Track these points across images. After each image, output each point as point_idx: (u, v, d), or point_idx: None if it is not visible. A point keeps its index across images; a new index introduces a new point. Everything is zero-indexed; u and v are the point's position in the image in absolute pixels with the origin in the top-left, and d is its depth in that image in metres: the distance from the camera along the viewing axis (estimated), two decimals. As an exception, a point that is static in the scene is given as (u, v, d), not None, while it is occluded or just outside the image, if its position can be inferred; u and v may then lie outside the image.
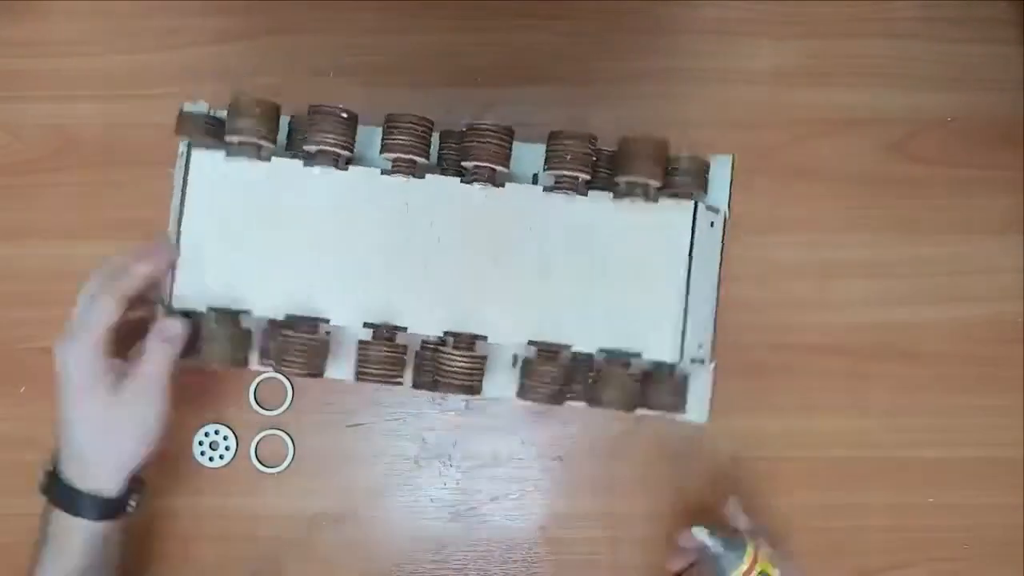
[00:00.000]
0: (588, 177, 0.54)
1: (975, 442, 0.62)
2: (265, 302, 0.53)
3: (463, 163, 0.54)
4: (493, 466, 0.62)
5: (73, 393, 0.49)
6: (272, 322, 0.54)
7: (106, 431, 0.50)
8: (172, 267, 0.52)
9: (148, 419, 0.50)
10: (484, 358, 0.53)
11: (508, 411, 0.62)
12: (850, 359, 0.62)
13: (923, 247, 0.63)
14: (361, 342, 0.53)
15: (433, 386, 0.53)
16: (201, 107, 0.56)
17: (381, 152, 0.53)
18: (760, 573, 0.51)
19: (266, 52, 0.64)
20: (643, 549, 0.61)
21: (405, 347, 0.53)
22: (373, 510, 0.61)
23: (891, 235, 0.63)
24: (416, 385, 0.55)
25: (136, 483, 0.52)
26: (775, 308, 0.63)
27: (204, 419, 0.61)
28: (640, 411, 0.54)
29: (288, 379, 0.62)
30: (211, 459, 0.61)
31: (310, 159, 0.54)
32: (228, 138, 0.53)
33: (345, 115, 0.53)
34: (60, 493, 0.51)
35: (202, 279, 0.53)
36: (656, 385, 0.54)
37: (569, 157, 0.53)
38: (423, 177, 0.54)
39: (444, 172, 0.55)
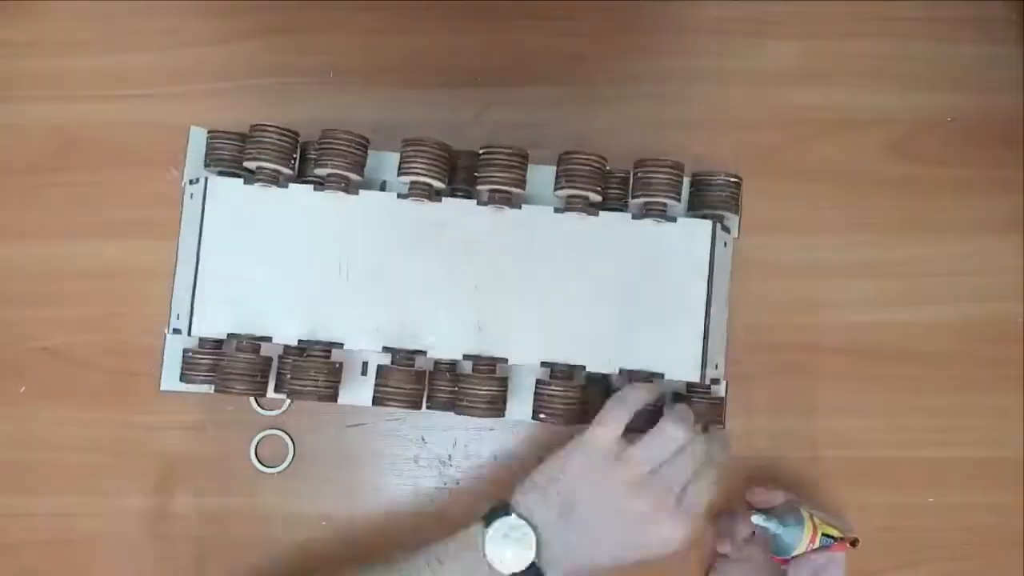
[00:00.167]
0: (599, 197, 0.54)
1: (975, 442, 0.62)
2: (285, 329, 0.53)
3: (479, 186, 0.54)
4: (493, 466, 0.62)
5: (656, 559, 0.48)
6: (287, 348, 0.54)
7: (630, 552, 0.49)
8: None
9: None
10: (505, 381, 0.53)
11: (508, 411, 0.62)
12: (850, 359, 0.62)
13: (923, 247, 0.63)
14: (381, 367, 0.53)
15: (452, 408, 0.53)
16: (202, 132, 0.56)
17: (399, 175, 0.54)
18: (823, 536, 0.52)
19: (266, 52, 0.64)
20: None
21: (425, 372, 0.54)
22: (373, 510, 0.61)
23: (891, 235, 0.63)
24: (432, 407, 0.55)
25: None
26: (775, 308, 0.63)
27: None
28: None
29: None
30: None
31: (320, 184, 0.54)
32: (248, 164, 0.54)
33: (356, 139, 0.53)
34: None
35: (221, 305, 0.54)
36: (690, 407, 0.54)
37: (579, 176, 0.53)
38: (440, 200, 0.54)
39: (455, 193, 0.56)
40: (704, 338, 0.53)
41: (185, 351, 0.55)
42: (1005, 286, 0.63)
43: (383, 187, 0.58)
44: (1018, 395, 0.62)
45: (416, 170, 0.53)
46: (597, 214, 0.54)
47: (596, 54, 0.65)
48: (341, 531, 0.61)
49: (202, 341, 0.55)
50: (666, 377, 0.53)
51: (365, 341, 0.54)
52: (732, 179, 0.55)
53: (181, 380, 0.56)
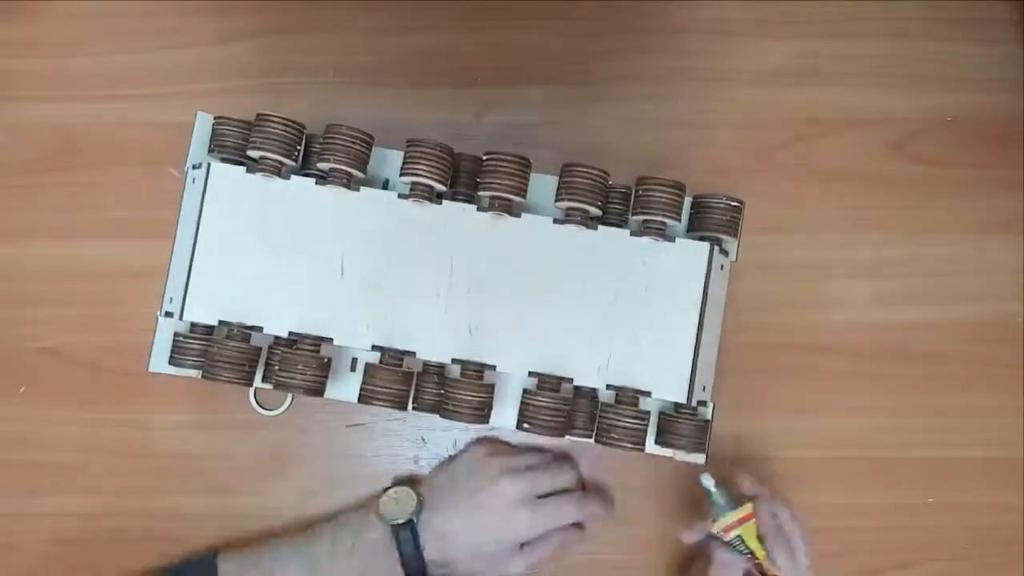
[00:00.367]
0: (599, 212, 0.54)
1: (975, 442, 0.62)
2: (276, 319, 0.53)
3: (480, 192, 0.54)
4: (493, 466, 0.62)
5: (498, 541, 0.56)
6: (277, 339, 0.54)
7: (493, 566, 0.57)
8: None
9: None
10: (492, 387, 0.53)
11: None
12: (850, 359, 0.62)
13: (923, 247, 0.63)
14: (369, 365, 0.53)
15: (437, 412, 0.54)
16: (208, 117, 0.56)
17: (401, 175, 0.54)
18: (737, 536, 0.52)
19: (266, 52, 0.64)
20: (644, 548, 0.61)
21: (413, 373, 0.54)
22: (373, 510, 0.61)
23: (891, 235, 0.63)
24: (418, 408, 0.55)
25: None
26: (775, 308, 0.63)
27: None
28: (651, 449, 0.55)
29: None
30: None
31: (322, 178, 0.54)
32: (251, 153, 0.54)
33: (360, 135, 0.53)
34: (411, 558, 0.55)
35: (214, 292, 0.53)
36: (673, 425, 0.54)
37: (580, 189, 0.53)
38: (440, 203, 0.54)
39: (456, 197, 0.56)
40: (693, 360, 0.53)
41: (175, 335, 0.55)
42: (1005, 286, 0.63)
43: (385, 185, 0.58)
44: (1018, 395, 0.62)
45: (418, 171, 0.53)
46: (596, 228, 0.54)
47: (596, 54, 0.65)
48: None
49: (193, 326, 0.55)
50: (653, 396, 0.53)
51: (355, 338, 0.54)
52: (733, 203, 0.55)
53: (170, 363, 0.55)
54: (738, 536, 0.53)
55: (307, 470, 0.61)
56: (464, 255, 0.54)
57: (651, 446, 0.56)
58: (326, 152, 0.53)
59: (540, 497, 0.57)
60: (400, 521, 0.55)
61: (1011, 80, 0.65)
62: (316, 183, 0.54)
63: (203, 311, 0.54)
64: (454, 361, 0.54)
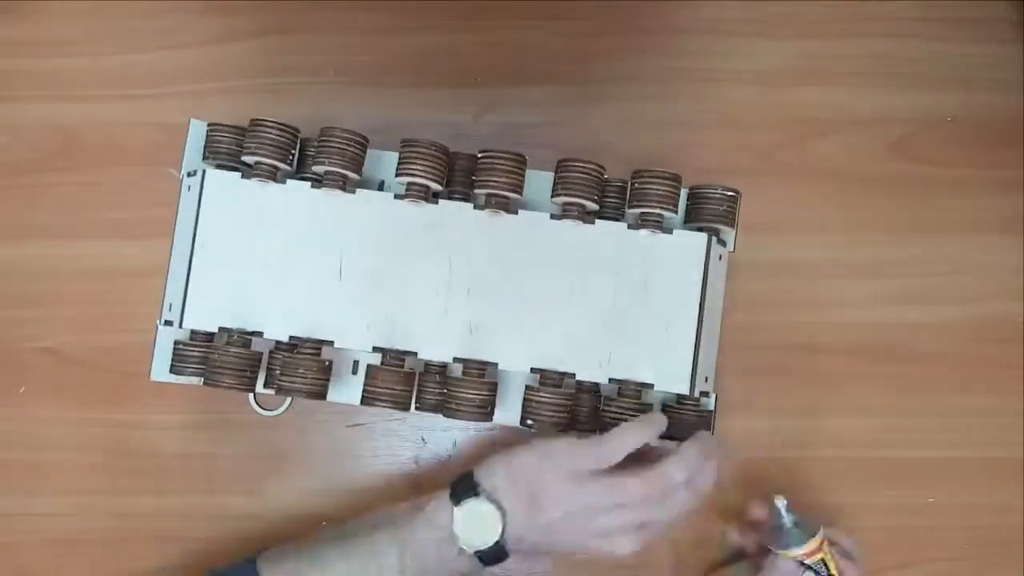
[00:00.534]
0: (596, 206, 0.54)
1: (975, 442, 0.62)
2: (276, 324, 0.53)
3: (476, 190, 0.54)
4: (493, 466, 0.62)
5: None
6: (277, 343, 0.54)
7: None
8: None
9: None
10: (495, 385, 0.53)
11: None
12: (850, 359, 0.62)
13: (923, 247, 0.63)
14: (370, 367, 0.53)
15: (440, 411, 0.53)
16: (202, 125, 0.56)
17: (397, 176, 0.54)
18: (820, 561, 0.53)
19: (266, 52, 0.64)
20: (643, 548, 0.61)
21: (415, 373, 0.54)
22: (373, 510, 0.61)
23: (891, 235, 0.63)
24: (421, 408, 0.55)
25: None
26: (775, 308, 0.63)
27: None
28: (654, 443, 0.54)
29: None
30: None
31: (318, 181, 0.54)
32: (246, 158, 0.54)
33: (355, 138, 0.53)
34: (495, 556, 0.49)
35: (214, 298, 0.54)
36: (677, 417, 0.54)
37: (576, 184, 0.53)
38: (436, 202, 0.54)
39: (452, 196, 0.56)
40: (695, 351, 0.53)
41: (176, 343, 0.55)
42: (1005, 286, 0.63)
43: (381, 187, 0.58)
44: (1018, 395, 0.62)
45: (414, 171, 0.53)
46: (593, 222, 0.54)
47: (596, 54, 0.65)
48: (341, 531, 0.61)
49: (193, 333, 0.55)
50: (655, 388, 0.53)
51: (356, 340, 0.54)
52: (729, 193, 0.55)
53: (171, 371, 0.55)
54: (821, 560, 0.53)
55: (307, 470, 0.61)
56: (462, 254, 0.54)
57: (655, 440, 0.55)
58: (321, 155, 0.53)
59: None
60: (485, 548, 0.48)
61: (1011, 80, 0.65)
62: (312, 186, 0.54)
63: (202, 318, 0.54)
64: (455, 360, 0.54)
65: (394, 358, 0.53)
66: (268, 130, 0.53)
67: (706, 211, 0.55)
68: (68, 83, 0.64)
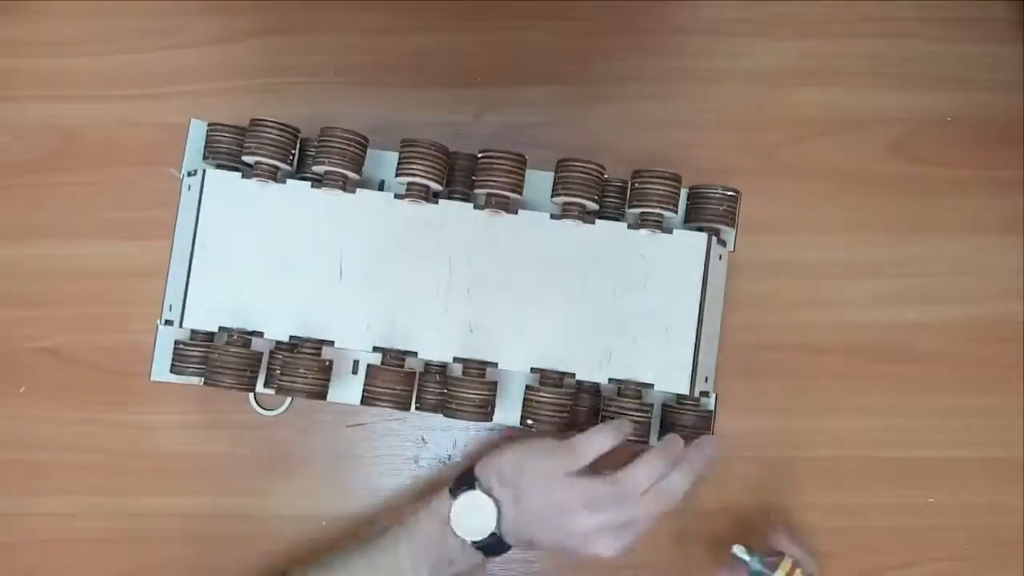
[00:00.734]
0: (596, 206, 0.54)
1: (975, 442, 0.62)
2: (276, 324, 0.53)
3: (476, 190, 0.54)
4: (493, 466, 0.62)
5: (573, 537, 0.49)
6: (278, 343, 0.54)
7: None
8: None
9: None
10: (495, 385, 0.53)
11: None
12: (850, 359, 0.62)
13: (923, 247, 0.63)
14: (370, 366, 0.53)
15: (440, 411, 0.53)
16: (202, 125, 0.56)
17: (397, 176, 0.54)
18: None
19: (266, 52, 0.64)
20: (644, 548, 0.61)
21: (415, 373, 0.54)
22: (373, 510, 0.61)
23: (891, 235, 0.63)
24: (421, 408, 0.55)
25: None
26: (775, 308, 0.63)
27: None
28: (654, 443, 0.54)
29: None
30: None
31: (318, 181, 0.54)
32: (246, 159, 0.54)
33: (355, 138, 0.53)
34: (494, 547, 0.51)
35: (214, 298, 0.54)
36: (677, 417, 0.54)
37: (576, 184, 0.53)
38: (436, 202, 0.54)
39: (452, 195, 0.56)
40: (695, 351, 0.53)
41: (176, 342, 0.55)
42: (1005, 286, 0.63)
43: (381, 186, 0.58)
44: (1018, 395, 0.62)
45: (414, 171, 0.53)
46: (593, 222, 0.54)
47: (596, 54, 0.65)
48: (341, 531, 0.61)
49: (193, 333, 0.55)
50: (655, 388, 0.53)
51: (356, 340, 0.54)
52: (729, 193, 0.55)
53: (171, 371, 0.56)
54: None
55: (307, 470, 0.61)
56: (462, 253, 0.54)
57: (655, 440, 0.56)
58: (321, 155, 0.53)
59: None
60: (481, 539, 0.50)
61: (1011, 80, 0.65)
62: (312, 186, 0.54)
63: (203, 318, 0.54)
64: (455, 360, 0.54)
65: (394, 358, 0.53)
66: (268, 130, 0.53)
67: (706, 211, 0.55)
68: (68, 83, 0.64)
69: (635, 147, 0.63)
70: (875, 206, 0.64)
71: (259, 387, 0.56)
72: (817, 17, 0.65)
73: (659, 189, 0.53)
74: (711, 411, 0.56)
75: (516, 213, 0.54)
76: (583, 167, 0.53)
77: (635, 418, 0.52)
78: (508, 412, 0.56)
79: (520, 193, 0.54)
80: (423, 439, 0.62)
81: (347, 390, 0.58)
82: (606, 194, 0.56)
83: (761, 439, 0.61)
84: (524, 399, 0.54)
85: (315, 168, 0.54)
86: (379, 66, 0.64)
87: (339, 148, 0.53)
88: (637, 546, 0.50)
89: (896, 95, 0.65)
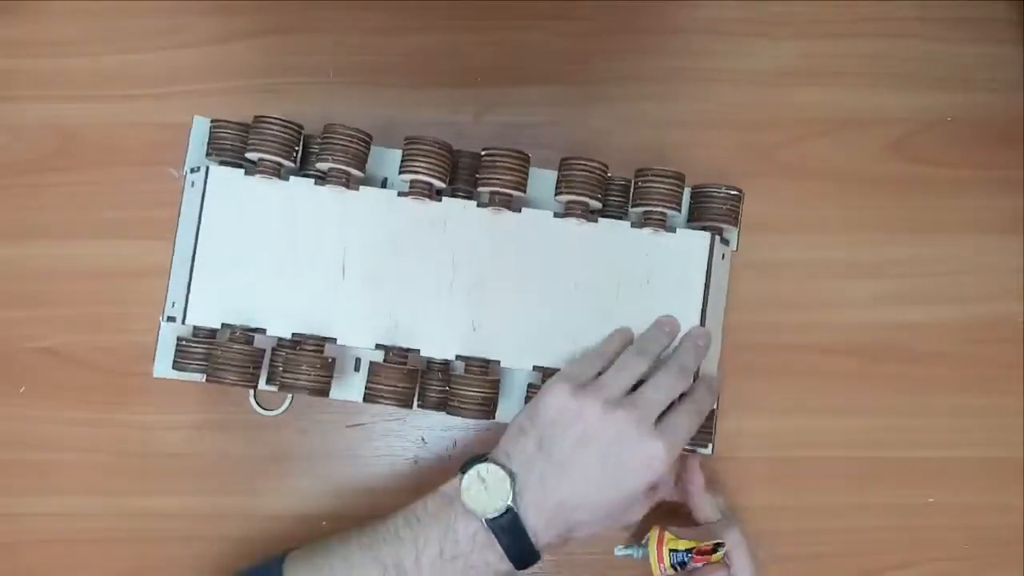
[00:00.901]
0: (599, 204, 0.54)
1: (975, 442, 0.62)
2: (279, 321, 0.53)
3: (480, 188, 0.54)
4: (493, 466, 0.62)
5: (639, 486, 0.47)
6: (280, 340, 0.54)
7: (614, 516, 0.49)
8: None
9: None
10: (497, 383, 0.53)
11: (508, 411, 0.62)
12: (850, 359, 0.62)
13: (923, 247, 0.63)
14: (373, 364, 0.53)
15: (443, 408, 0.53)
16: (205, 121, 0.56)
17: (400, 173, 0.54)
18: (671, 551, 0.53)
19: (266, 52, 0.64)
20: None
21: (418, 371, 0.54)
22: (373, 510, 0.61)
23: (891, 235, 0.63)
24: (423, 405, 0.55)
25: None
26: (775, 308, 0.63)
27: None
28: None
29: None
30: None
31: (321, 178, 0.54)
32: (249, 155, 0.54)
33: (358, 135, 0.53)
34: (523, 549, 0.46)
35: (216, 295, 0.54)
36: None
37: (579, 183, 0.53)
38: (440, 200, 0.54)
39: (455, 193, 0.56)
40: None
41: (179, 339, 0.55)
42: (1005, 286, 0.63)
43: (384, 184, 0.58)
44: (1018, 395, 0.62)
45: (417, 168, 0.53)
46: (596, 221, 0.54)
47: (596, 54, 0.65)
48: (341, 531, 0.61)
49: (196, 330, 0.55)
50: None
51: (358, 337, 0.54)
52: (733, 192, 0.55)
53: (174, 368, 0.55)
54: (672, 552, 0.53)
55: (307, 470, 0.61)
56: (465, 251, 0.54)
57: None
58: (325, 152, 0.53)
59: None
60: (495, 515, 0.46)
61: (1011, 80, 0.65)
62: (315, 183, 0.54)
63: (206, 314, 0.54)
64: (458, 357, 0.54)
65: (397, 355, 0.53)
66: (272, 126, 0.53)
67: (709, 210, 0.55)
68: (68, 83, 0.64)
69: (635, 147, 0.63)
70: (875, 206, 0.64)
71: (261, 384, 0.56)
72: (817, 17, 0.65)
73: (663, 188, 0.53)
74: (713, 410, 0.56)
75: (519, 211, 0.54)
76: (586, 165, 0.53)
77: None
78: (511, 410, 0.56)
79: (524, 191, 0.54)
80: (423, 439, 0.62)
81: (349, 388, 0.58)
82: (609, 192, 0.56)
83: (760, 439, 0.61)
84: (526, 397, 0.54)
85: (319, 165, 0.54)
86: (379, 66, 0.64)
87: (343, 145, 0.53)
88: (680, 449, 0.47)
89: (896, 95, 0.65)
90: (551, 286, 0.54)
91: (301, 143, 0.55)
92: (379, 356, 0.54)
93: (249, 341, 0.53)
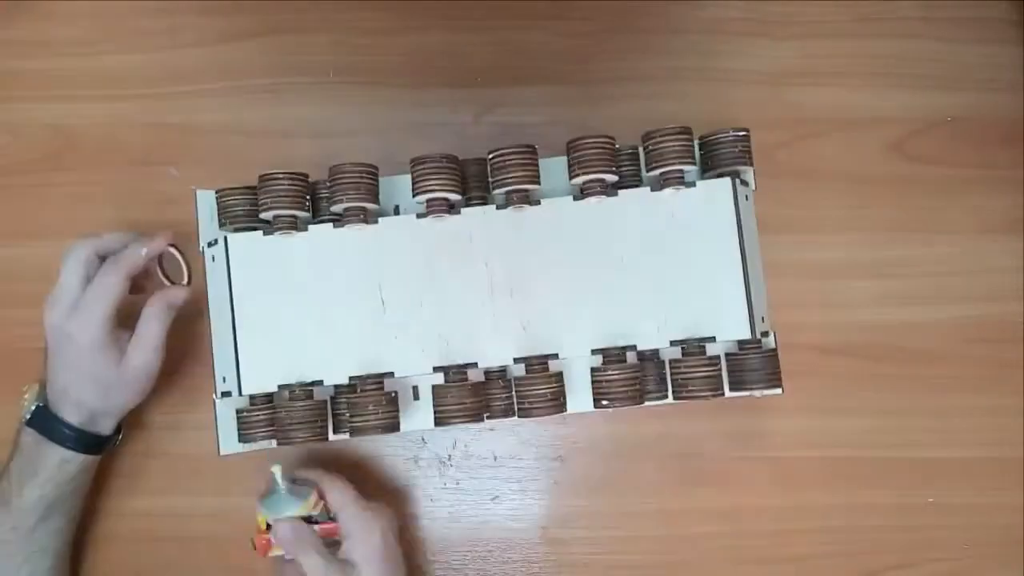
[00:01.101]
0: (615, 177, 0.54)
1: (975, 442, 0.62)
2: (333, 369, 0.53)
3: (495, 190, 0.54)
4: (493, 466, 0.62)
5: (80, 356, 0.53)
6: (339, 387, 0.54)
7: (111, 387, 0.54)
8: (162, 253, 0.56)
9: (148, 375, 0.55)
10: (561, 375, 0.53)
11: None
12: (851, 359, 0.62)
13: (923, 247, 0.63)
14: (436, 387, 0.53)
15: (512, 414, 0.53)
16: (210, 194, 0.56)
17: (414, 195, 0.53)
18: (322, 512, 0.54)
19: (266, 52, 0.64)
20: (643, 549, 0.61)
21: (482, 384, 0.53)
22: (373, 510, 0.61)
23: (891, 235, 0.63)
24: (491, 416, 0.54)
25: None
26: (775, 308, 0.62)
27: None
28: (730, 394, 0.54)
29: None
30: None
31: (338, 220, 0.54)
32: (263, 215, 0.54)
33: (365, 169, 0.53)
34: (59, 432, 0.54)
35: (266, 359, 0.53)
36: (744, 363, 0.53)
37: (591, 161, 0.53)
38: (458, 212, 0.54)
39: (471, 202, 0.55)
40: (747, 293, 0.53)
41: (238, 411, 0.55)
42: (1005, 286, 0.63)
43: (397, 211, 0.58)
44: (1018, 395, 0.62)
45: (430, 187, 0.52)
46: (616, 194, 0.54)
47: (596, 54, 0.65)
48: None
49: (253, 398, 0.55)
50: (717, 339, 0.52)
51: (415, 365, 0.53)
52: (740, 133, 0.55)
53: (240, 441, 0.55)
54: (322, 512, 0.54)
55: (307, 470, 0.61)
56: (496, 255, 0.54)
57: (729, 392, 0.55)
58: (336, 193, 0.53)
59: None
60: (31, 413, 0.55)
61: (1011, 80, 0.65)
62: (334, 226, 0.54)
63: (260, 381, 0.54)
64: (516, 360, 0.53)
65: (456, 373, 0.53)
66: (279, 182, 0.53)
67: (722, 156, 0.54)
68: (68, 83, 0.64)
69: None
70: (875, 206, 0.64)
71: (331, 435, 0.55)
72: (817, 17, 0.65)
73: (673, 145, 0.53)
74: (774, 349, 0.55)
75: (539, 203, 0.54)
76: (594, 142, 0.53)
77: (706, 373, 0.51)
78: (579, 399, 0.55)
79: (538, 183, 0.54)
80: (423, 439, 0.62)
81: (414, 417, 0.57)
82: (621, 164, 0.56)
83: (761, 439, 0.61)
84: (593, 381, 0.53)
85: (333, 208, 0.54)
86: (379, 66, 0.64)
87: (352, 182, 0.53)
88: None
89: (896, 95, 0.65)
90: (587, 268, 0.53)
91: (310, 191, 0.55)
92: (438, 378, 0.54)
93: (309, 396, 0.53)
